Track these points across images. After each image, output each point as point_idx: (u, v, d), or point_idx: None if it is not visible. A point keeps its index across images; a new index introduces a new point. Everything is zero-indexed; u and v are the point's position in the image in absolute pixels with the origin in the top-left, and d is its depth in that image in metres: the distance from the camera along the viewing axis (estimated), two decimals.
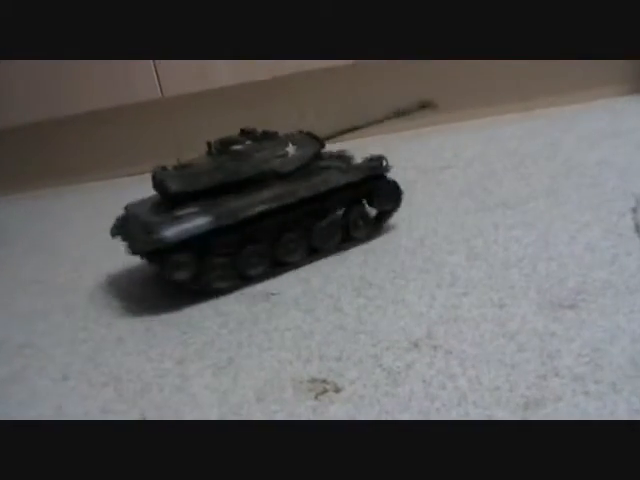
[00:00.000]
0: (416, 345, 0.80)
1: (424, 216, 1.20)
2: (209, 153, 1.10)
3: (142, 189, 1.27)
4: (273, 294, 1.01)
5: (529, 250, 0.98)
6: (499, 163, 1.39)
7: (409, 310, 0.88)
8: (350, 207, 1.12)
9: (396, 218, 1.19)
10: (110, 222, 1.15)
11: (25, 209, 1.84)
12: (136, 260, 1.17)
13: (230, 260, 1.04)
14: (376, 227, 1.15)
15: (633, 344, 0.72)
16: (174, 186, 1.05)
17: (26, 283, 1.29)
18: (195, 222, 1.00)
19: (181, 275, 1.02)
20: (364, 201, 1.14)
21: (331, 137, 1.17)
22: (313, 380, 0.79)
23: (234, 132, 1.13)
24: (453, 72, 1.72)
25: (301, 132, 1.14)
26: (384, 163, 1.11)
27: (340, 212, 1.11)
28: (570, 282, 0.87)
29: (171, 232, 0.99)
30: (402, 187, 1.14)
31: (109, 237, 1.18)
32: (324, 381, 0.78)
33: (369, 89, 1.78)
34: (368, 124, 1.20)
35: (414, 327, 0.84)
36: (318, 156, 1.13)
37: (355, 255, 1.09)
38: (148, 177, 1.12)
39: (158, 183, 1.07)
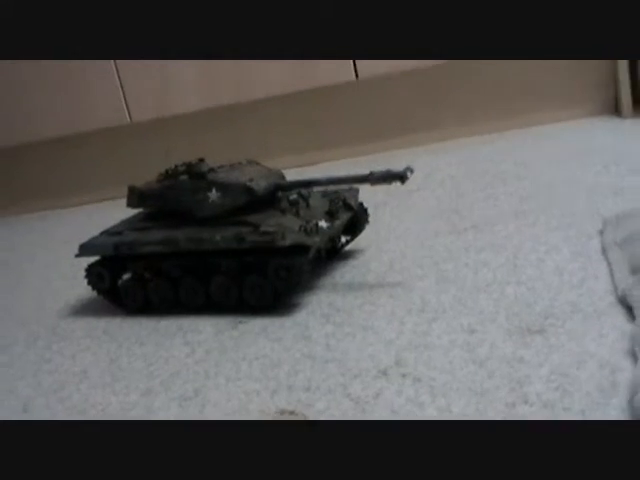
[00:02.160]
0: (385, 373, 0.80)
1: (394, 239, 1.20)
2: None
3: (109, 215, 1.26)
4: (241, 322, 1.00)
5: (498, 274, 0.98)
6: (470, 185, 1.40)
7: (378, 337, 0.88)
8: (246, 273, 1.01)
9: (366, 241, 1.19)
10: (74, 250, 1.14)
11: None
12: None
13: (140, 284, 1.09)
14: (274, 303, 1.01)
15: (601, 369, 0.72)
16: (128, 200, 1.15)
17: None
18: (104, 243, 1.10)
19: (98, 285, 1.13)
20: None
21: (292, 187, 1.08)
22: (281, 412, 0.77)
23: (201, 156, 1.12)
24: (426, 94, 1.74)
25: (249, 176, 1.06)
26: (277, 237, 0.96)
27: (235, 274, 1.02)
28: (538, 306, 0.87)
29: (85, 246, 1.12)
30: (298, 265, 0.98)
31: (73, 266, 1.17)
32: (292, 412, 0.77)
33: (337, 113, 1.79)
34: (329, 182, 1.06)
35: (383, 354, 0.84)
36: (254, 207, 1.04)
37: (323, 280, 1.09)
38: (115, 203, 1.12)
39: None
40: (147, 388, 0.88)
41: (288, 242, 0.97)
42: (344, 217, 1.08)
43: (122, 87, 1.81)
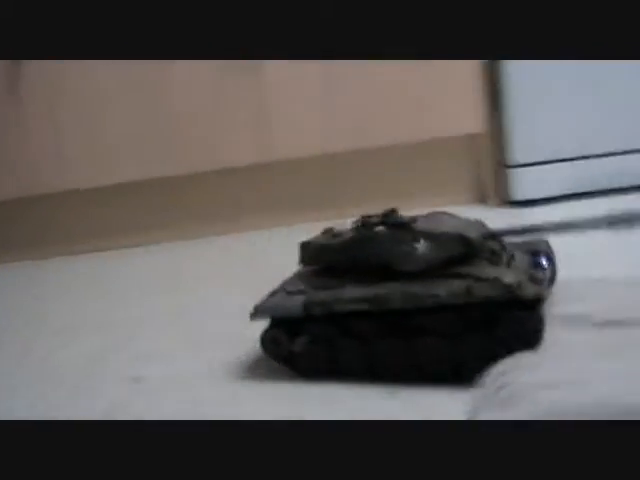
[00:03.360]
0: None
1: None
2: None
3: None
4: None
5: None
6: None
7: None
8: (467, 331, 0.82)
9: None
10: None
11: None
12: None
13: (323, 348, 0.88)
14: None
15: None
16: (301, 256, 0.93)
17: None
18: (288, 303, 0.89)
19: (274, 351, 0.90)
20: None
21: (504, 234, 0.92)
22: None
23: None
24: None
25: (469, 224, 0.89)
26: (517, 286, 0.78)
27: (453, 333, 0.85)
28: None
29: (263, 307, 0.90)
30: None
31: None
32: None
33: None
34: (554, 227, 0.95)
35: None
36: (463, 259, 0.85)
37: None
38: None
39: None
40: None
41: (530, 294, 0.79)
42: (549, 270, 0.92)
43: None
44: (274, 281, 0.90)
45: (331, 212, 1.69)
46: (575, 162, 1.55)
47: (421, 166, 1.71)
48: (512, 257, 0.86)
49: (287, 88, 1.62)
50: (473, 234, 0.86)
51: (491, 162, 1.66)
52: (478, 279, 0.80)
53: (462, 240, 0.84)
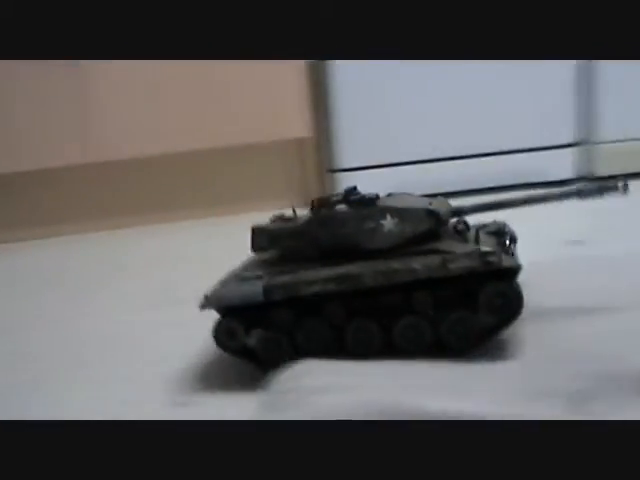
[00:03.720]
0: None
1: None
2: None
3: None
4: None
5: None
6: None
7: None
8: (446, 308, 0.79)
9: None
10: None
11: None
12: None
13: (286, 337, 0.82)
14: (481, 342, 0.79)
15: None
16: (255, 242, 0.87)
17: None
18: (247, 289, 0.80)
19: (231, 343, 0.83)
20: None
21: (473, 210, 0.88)
22: None
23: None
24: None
25: (431, 202, 0.85)
26: (497, 258, 0.76)
27: (431, 312, 0.79)
28: None
29: (217, 295, 0.82)
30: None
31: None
32: None
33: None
34: (522, 202, 0.87)
35: None
36: (432, 235, 0.83)
37: None
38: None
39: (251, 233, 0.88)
40: None
41: (507, 264, 0.77)
42: (515, 250, 0.90)
43: None
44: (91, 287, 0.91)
45: (155, 216, 1.67)
46: (401, 167, 1.60)
47: (247, 169, 1.72)
48: (477, 235, 0.85)
49: (112, 89, 1.56)
50: (443, 209, 0.84)
51: (317, 166, 1.70)
52: (452, 253, 0.78)
53: (430, 215, 0.82)
